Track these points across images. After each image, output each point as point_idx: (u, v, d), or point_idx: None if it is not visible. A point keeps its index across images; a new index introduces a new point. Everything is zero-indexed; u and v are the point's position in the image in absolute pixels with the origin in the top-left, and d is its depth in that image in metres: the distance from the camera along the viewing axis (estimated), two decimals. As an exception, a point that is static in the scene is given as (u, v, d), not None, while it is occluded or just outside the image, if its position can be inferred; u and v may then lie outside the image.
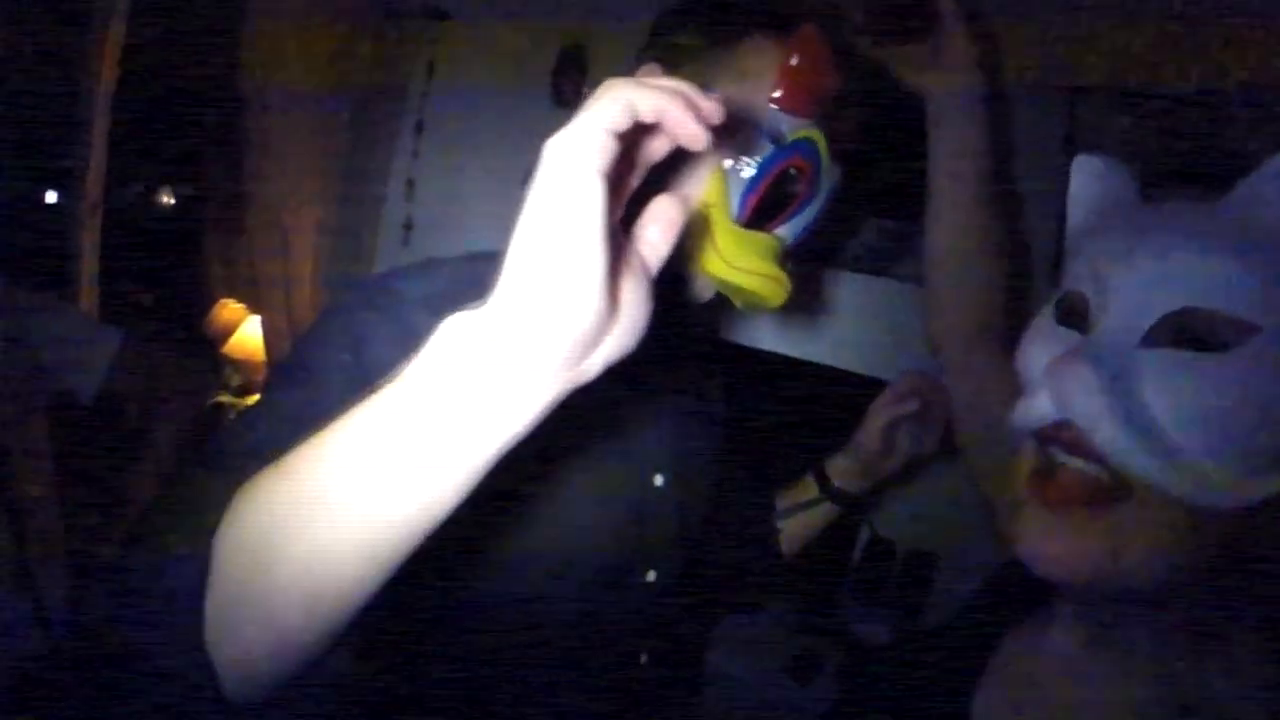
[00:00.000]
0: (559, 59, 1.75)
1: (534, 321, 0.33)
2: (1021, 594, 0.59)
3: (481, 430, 0.34)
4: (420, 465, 0.34)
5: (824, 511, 0.95)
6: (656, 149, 0.39)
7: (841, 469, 0.93)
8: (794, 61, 0.60)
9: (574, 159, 0.33)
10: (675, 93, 0.35)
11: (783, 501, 0.96)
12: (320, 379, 0.52)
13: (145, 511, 0.42)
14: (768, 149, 0.60)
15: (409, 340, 0.53)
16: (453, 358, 0.34)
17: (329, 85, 1.74)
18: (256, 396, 1.96)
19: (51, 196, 3.43)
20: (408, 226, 1.68)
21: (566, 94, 1.72)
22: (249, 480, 0.38)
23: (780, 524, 0.95)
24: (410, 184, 1.68)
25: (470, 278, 0.59)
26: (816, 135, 0.61)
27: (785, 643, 1.40)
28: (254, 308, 2.00)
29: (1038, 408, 0.47)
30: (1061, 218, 0.60)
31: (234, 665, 0.36)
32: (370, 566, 0.35)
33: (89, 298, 2.24)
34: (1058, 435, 0.47)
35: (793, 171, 0.62)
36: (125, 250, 2.33)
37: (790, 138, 0.61)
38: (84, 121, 2.23)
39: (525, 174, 0.34)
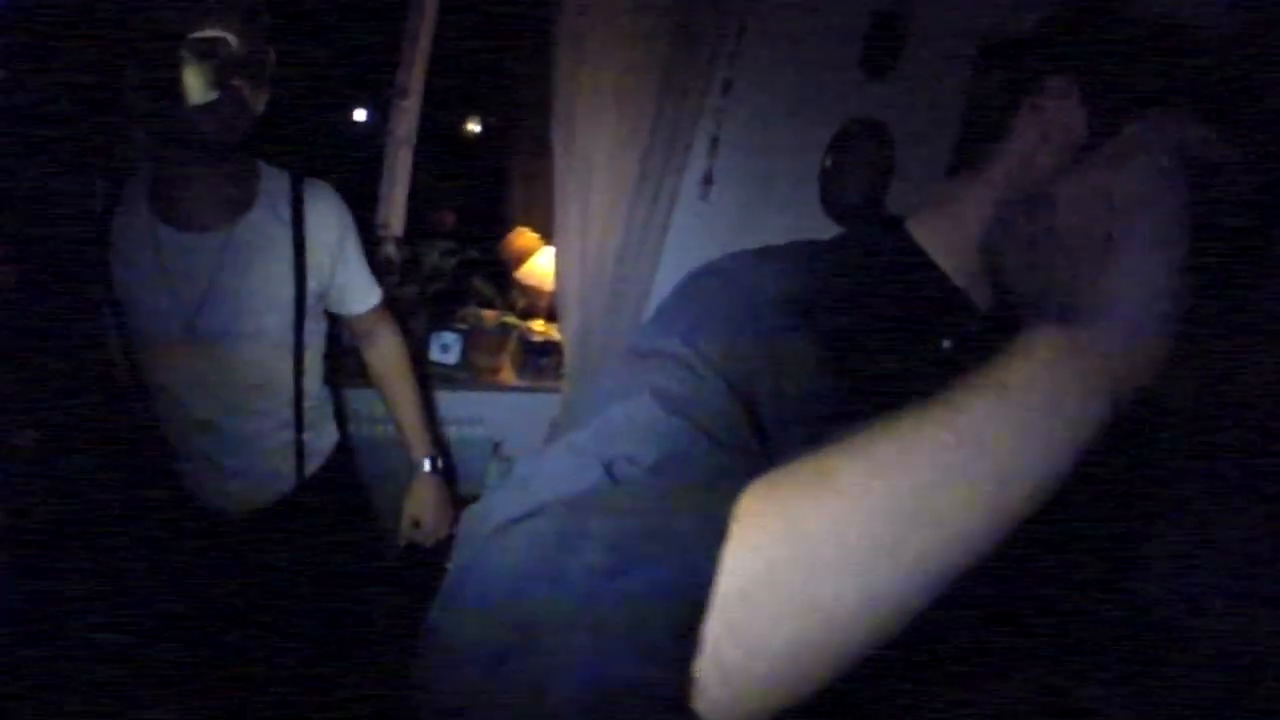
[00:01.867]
0: (872, 25, 1.77)
1: (1139, 352, 0.36)
2: None
3: (1070, 445, 0.35)
4: (1007, 477, 0.34)
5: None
6: None
7: None
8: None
9: (1173, 197, 0.37)
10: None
11: None
12: (697, 377, 0.49)
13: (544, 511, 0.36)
14: None
15: (770, 339, 0.53)
16: (1055, 373, 0.36)
17: (642, 36, 1.85)
18: (540, 321, 2.17)
19: (360, 115, 3.89)
20: (707, 181, 1.80)
21: (879, 63, 1.74)
22: (742, 488, 0.35)
23: None
24: (714, 141, 1.79)
25: (818, 274, 0.58)
26: None
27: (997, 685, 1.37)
28: (548, 239, 2.22)
29: None
30: None
31: (736, 700, 0.32)
32: (928, 586, 0.33)
33: (396, 212, 2.58)
34: None
35: None
36: (432, 171, 2.65)
37: None
38: (405, 44, 2.47)
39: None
